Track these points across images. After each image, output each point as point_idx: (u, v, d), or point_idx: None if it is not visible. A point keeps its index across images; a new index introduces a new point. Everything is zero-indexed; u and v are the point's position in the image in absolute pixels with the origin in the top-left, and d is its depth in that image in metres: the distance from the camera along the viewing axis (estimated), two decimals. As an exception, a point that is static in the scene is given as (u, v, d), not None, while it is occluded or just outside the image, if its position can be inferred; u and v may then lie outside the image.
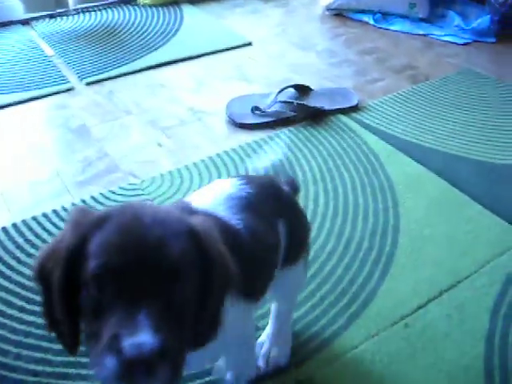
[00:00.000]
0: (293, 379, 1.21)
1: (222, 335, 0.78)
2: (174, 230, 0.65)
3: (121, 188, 1.77)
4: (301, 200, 1.70)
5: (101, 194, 1.74)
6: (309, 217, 1.64)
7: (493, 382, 1.22)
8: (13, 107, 2.22)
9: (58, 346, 1.28)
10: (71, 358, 1.25)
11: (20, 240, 1.58)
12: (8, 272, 1.48)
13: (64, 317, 0.67)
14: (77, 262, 0.65)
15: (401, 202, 1.71)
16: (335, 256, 1.52)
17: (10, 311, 1.37)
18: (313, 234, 1.58)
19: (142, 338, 0.57)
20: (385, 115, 2.16)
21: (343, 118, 2.13)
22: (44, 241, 1.57)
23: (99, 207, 1.68)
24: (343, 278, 1.45)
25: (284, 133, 2.04)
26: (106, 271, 0.61)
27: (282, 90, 2.18)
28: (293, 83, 2.26)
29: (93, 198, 1.73)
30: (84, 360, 1.25)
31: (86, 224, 0.66)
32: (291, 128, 2.07)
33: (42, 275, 0.69)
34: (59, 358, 1.26)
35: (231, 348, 0.96)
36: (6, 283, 1.45)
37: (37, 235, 1.59)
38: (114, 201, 1.71)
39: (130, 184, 1.79)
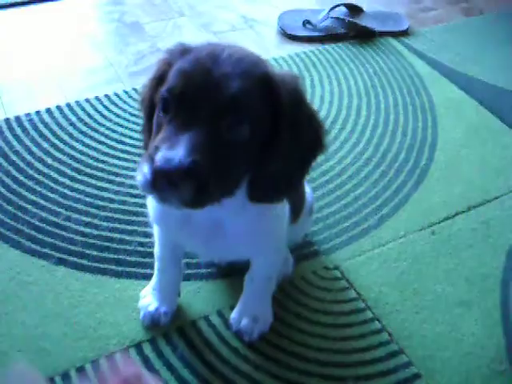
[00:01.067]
0: (321, 265, 1.30)
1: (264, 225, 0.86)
2: (244, 70, 0.66)
3: (171, 81, 1.83)
4: (344, 110, 1.75)
5: (152, 84, 1.81)
6: (350, 126, 1.70)
7: (508, 290, 1.29)
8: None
9: (105, 214, 1.38)
10: (116, 224, 1.35)
11: (73, 118, 1.66)
12: (61, 145, 1.57)
13: (145, 134, 0.77)
14: (160, 87, 0.71)
15: (440, 123, 1.75)
16: (372, 163, 1.58)
17: (62, 179, 1.47)
18: (353, 141, 1.64)
19: (174, 153, 0.61)
20: (434, 43, 2.17)
21: (392, 40, 2.15)
22: (95, 121, 1.65)
23: (149, 97, 1.75)
24: (378, 183, 1.52)
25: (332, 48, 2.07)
26: (170, 94, 0.66)
27: (335, 7, 2.19)
28: (345, 2, 2.27)
29: (144, 87, 1.79)
30: (128, 227, 1.35)
31: (172, 53, 0.72)
32: (340, 44, 2.10)
33: (141, 101, 0.79)
34: (105, 224, 1.36)
35: (265, 247, 0.98)
36: (59, 155, 1.54)
37: (89, 115, 1.68)
38: (164, 92, 1.78)
39: (180, 78, 1.85)
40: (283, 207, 0.91)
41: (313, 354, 1.14)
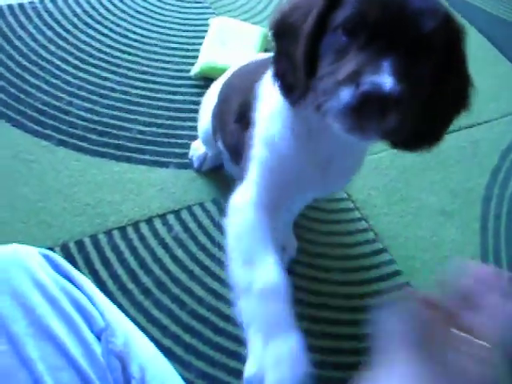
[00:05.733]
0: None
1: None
2: (435, 7, 0.63)
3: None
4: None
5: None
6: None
7: (489, 205, 1.36)
8: None
9: (107, 101, 1.40)
10: (117, 112, 1.38)
11: (78, 10, 1.66)
12: (65, 35, 1.57)
13: (304, 62, 0.67)
14: (329, 13, 0.65)
15: (439, 48, 1.77)
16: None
17: (65, 66, 1.48)
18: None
19: (384, 78, 0.56)
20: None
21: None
22: (100, 14, 1.65)
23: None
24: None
25: None
26: (361, 19, 0.61)
27: None
28: None
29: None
30: (129, 116, 1.38)
31: None
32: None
33: (282, 26, 0.71)
34: (106, 111, 1.38)
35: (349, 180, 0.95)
36: (62, 43, 1.54)
37: (94, 8, 1.67)
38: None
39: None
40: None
41: (303, 244, 1.20)
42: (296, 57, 0.68)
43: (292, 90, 0.71)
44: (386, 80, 0.56)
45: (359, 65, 0.58)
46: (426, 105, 0.67)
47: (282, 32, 0.72)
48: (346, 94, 0.57)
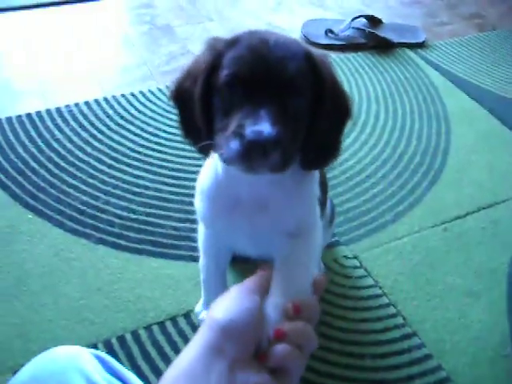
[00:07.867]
0: (341, 255, 1.41)
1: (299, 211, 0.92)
2: (294, 52, 0.75)
3: (201, 81, 1.95)
4: (363, 114, 1.87)
5: (183, 83, 1.92)
6: (369, 129, 1.81)
7: (514, 284, 1.39)
8: (103, 1, 2.40)
9: (141, 199, 1.48)
10: (152, 209, 1.46)
11: (110, 111, 1.78)
12: (99, 136, 1.68)
13: (202, 120, 0.80)
14: (213, 75, 0.77)
15: (453, 130, 1.86)
16: (389, 164, 1.69)
17: (100, 167, 1.58)
18: (372, 143, 1.76)
19: (262, 126, 0.67)
20: (448, 55, 2.28)
21: (409, 51, 2.26)
22: (131, 115, 1.77)
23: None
24: (394, 182, 1.63)
25: (353, 57, 2.18)
26: (236, 78, 0.73)
27: (356, 18, 2.31)
28: (366, 14, 2.38)
29: (176, 86, 1.91)
30: (163, 213, 1.45)
31: (221, 44, 0.77)
32: (360, 53, 2.21)
33: (180, 93, 0.84)
34: (141, 208, 1.47)
35: (302, 220, 0.96)
36: (97, 144, 1.65)
37: (125, 109, 1.79)
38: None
39: (209, 79, 1.97)
40: (314, 186, 0.97)
41: (334, 332, 1.24)
42: (196, 117, 0.81)
43: (202, 146, 0.82)
44: (264, 127, 0.67)
45: (241, 118, 0.70)
46: (312, 129, 0.79)
47: (181, 98, 0.84)
48: (235, 145, 0.69)
